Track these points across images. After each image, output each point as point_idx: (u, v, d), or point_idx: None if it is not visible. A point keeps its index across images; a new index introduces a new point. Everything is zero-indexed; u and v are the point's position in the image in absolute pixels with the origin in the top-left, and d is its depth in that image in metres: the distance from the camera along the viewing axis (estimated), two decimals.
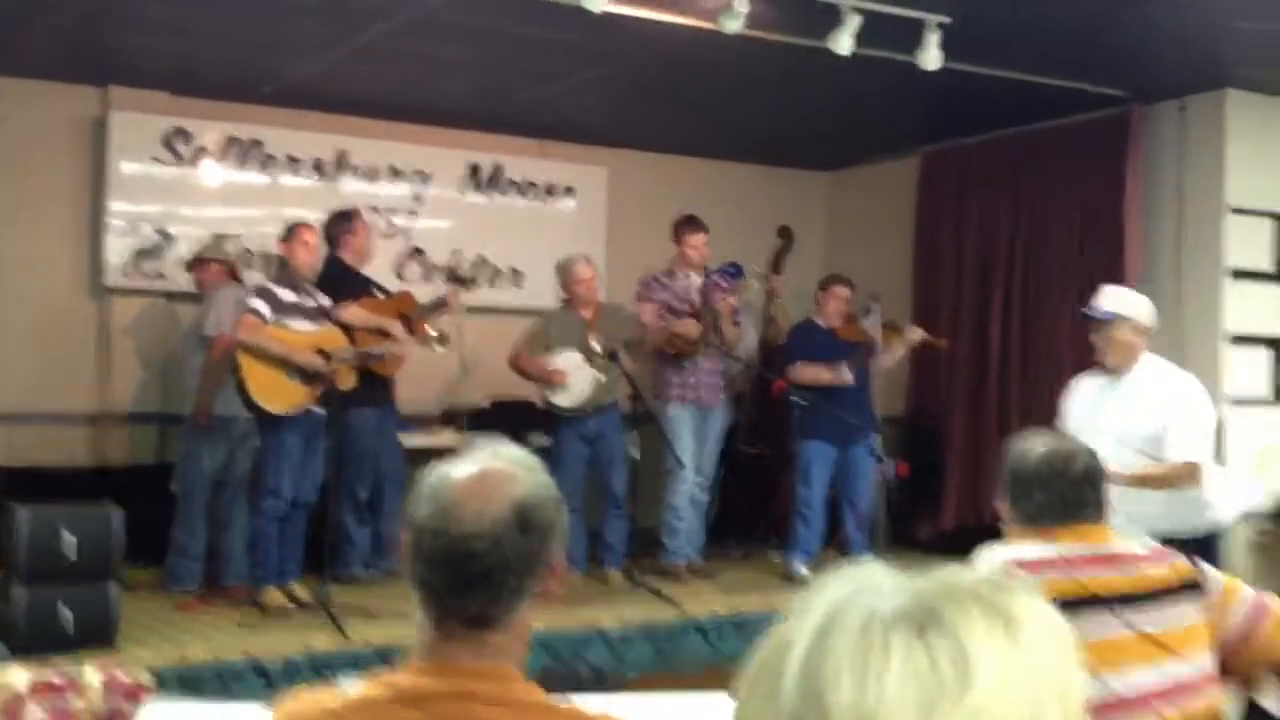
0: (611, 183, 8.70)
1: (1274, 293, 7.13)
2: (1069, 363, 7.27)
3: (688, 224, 7.03)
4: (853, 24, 5.54)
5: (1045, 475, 2.69)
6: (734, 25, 5.42)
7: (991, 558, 2.64)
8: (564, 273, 7.03)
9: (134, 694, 2.21)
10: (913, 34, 5.74)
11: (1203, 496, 4.63)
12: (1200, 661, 2.55)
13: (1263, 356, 7.10)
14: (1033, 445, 2.79)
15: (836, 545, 7.15)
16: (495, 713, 1.63)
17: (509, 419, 7.47)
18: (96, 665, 2.37)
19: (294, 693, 1.77)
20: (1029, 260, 7.69)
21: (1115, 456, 4.12)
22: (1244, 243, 7.01)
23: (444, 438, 7.34)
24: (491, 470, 1.69)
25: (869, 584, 0.90)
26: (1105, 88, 6.96)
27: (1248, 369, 7.03)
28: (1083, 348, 7.27)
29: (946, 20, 5.66)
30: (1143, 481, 4.40)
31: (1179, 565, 2.65)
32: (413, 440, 7.10)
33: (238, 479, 6.54)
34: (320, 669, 4.91)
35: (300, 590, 5.95)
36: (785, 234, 7.41)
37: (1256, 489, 5.29)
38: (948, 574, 0.92)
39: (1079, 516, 2.67)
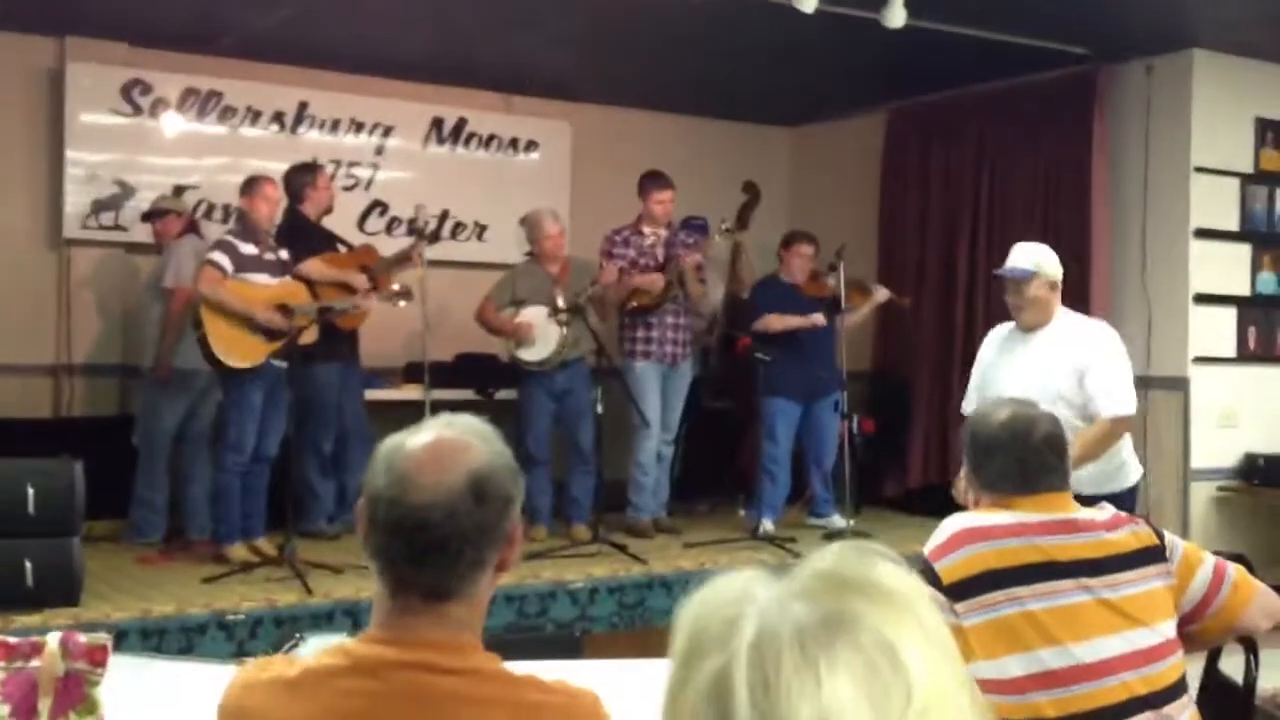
0: (576, 137, 8.64)
1: (1239, 252, 7.18)
2: None
3: (653, 180, 6.99)
4: None
5: (1006, 442, 2.67)
6: None
7: (947, 526, 2.65)
8: (531, 227, 6.99)
9: (94, 656, 2.17)
10: None
11: (1121, 453, 4.58)
12: (1163, 628, 2.57)
13: (1228, 315, 7.15)
14: (993, 412, 2.78)
15: (803, 502, 7.19)
16: (453, 682, 1.62)
17: (474, 373, 7.46)
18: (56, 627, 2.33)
19: (253, 662, 1.76)
20: (994, 218, 7.70)
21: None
22: (1210, 203, 7.04)
23: (408, 392, 7.31)
24: (447, 440, 1.67)
25: (757, 599, 0.93)
26: (1071, 46, 6.96)
27: (1213, 328, 7.08)
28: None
29: None
30: (1083, 456, 4.17)
31: (1140, 532, 2.66)
32: (377, 395, 7.08)
33: (199, 433, 6.50)
34: (284, 623, 4.89)
35: (264, 545, 5.92)
36: (751, 189, 7.39)
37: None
38: (818, 567, 0.95)
39: (1042, 485, 2.66)
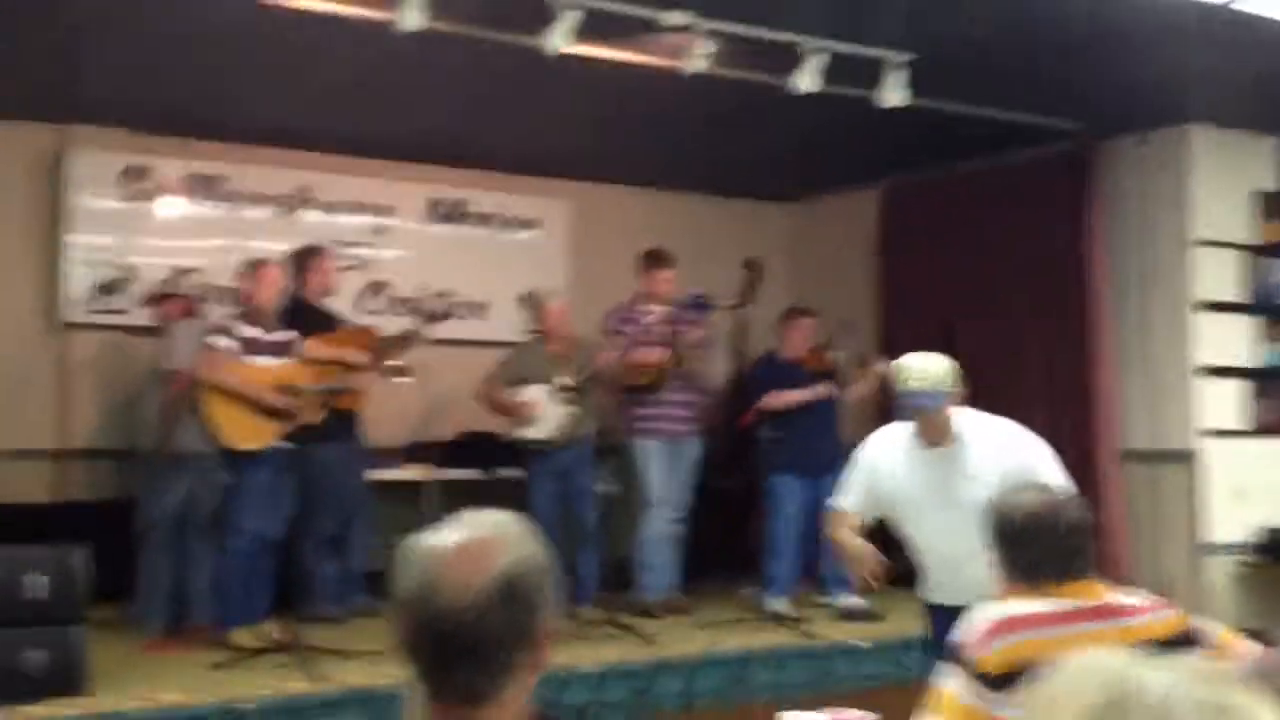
0: (575, 215, 8.68)
1: (1245, 324, 7.19)
2: (1039, 397, 7.32)
3: (655, 259, 7.01)
4: (814, 63, 5.59)
5: (1035, 530, 2.66)
6: (697, 66, 5.44)
7: (984, 615, 2.61)
8: (535, 306, 7.00)
9: None
10: (873, 70, 5.80)
11: None
12: None
13: (1236, 388, 7.14)
14: (1019, 500, 2.76)
15: (812, 580, 7.12)
16: None
17: (477, 452, 7.42)
18: None
19: None
20: (994, 293, 7.71)
21: (968, 532, 3.80)
22: (1212, 275, 7.07)
23: (410, 472, 7.29)
24: (475, 540, 1.63)
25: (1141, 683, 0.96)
26: (1065, 122, 7.01)
27: (1221, 401, 7.07)
28: (1054, 381, 7.35)
29: (908, 58, 5.72)
30: None
31: (1170, 619, 2.65)
32: (380, 475, 7.04)
33: (201, 516, 6.43)
34: (296, 712, 4.81)
35: (270, 630, 5.84)
36: (754, 266, 7.41)
37: None
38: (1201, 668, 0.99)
39: (1072, 570, 2.64)
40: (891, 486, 4.19)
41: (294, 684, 5.06)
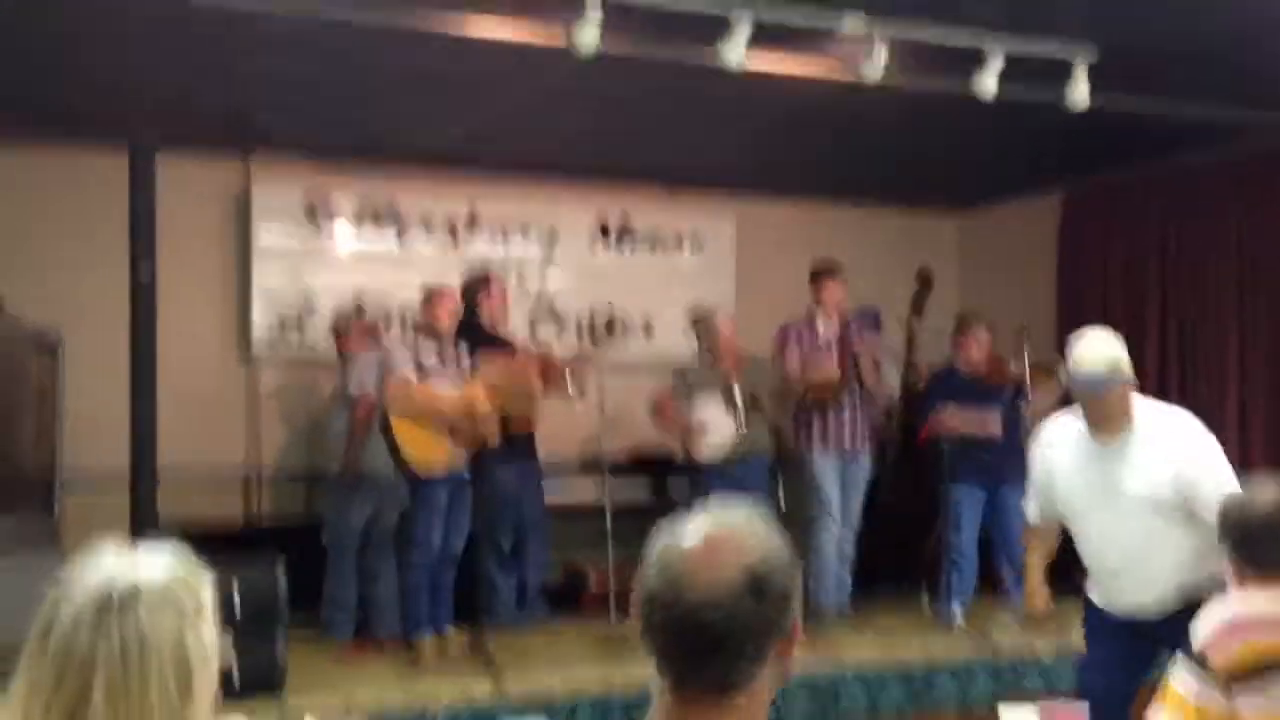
0: (740, 229, 8.70)
1: None
2: (1232, 407, 7.06)
3: (825, 271, 6.97)
4: (996, 65, 5.45)
5: (1276, 523, 2.59)
6: (875, 75, 5.32)
7: (1219, 614, 2.56)
8: (704, 324, 7.03)
9: None
10: (1051, 70, 5.60)
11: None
12: None
13: None
14: (1259, 494, 2.70)
15: (991, 591, 6.98)
16: None
17: (649, 470, 7.48)
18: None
19: None
20: (1183, 304, 7.48)
21: (1143, 526, 3.83)
22: None
23: (583, 489, 7.40)
24: (722, 536, 1.65)
25: None
26: (1262, 115, 6.67)
27: None
28: (1249, 392, 7.08)
29: (1093, 59, 5.55)
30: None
31: None
32: (555, 491, 7.16)
33: (385, 531, 6.61)
34: (481, 717, 4.91)
35: (453, 639, 6.04)
36: (924, 276, 7.33)
37: None
38: None
39: None
40: (1060, 481, 4.03)
41: (479, 688, 5.18)
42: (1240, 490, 2.79)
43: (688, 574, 1.60)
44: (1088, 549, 4.06)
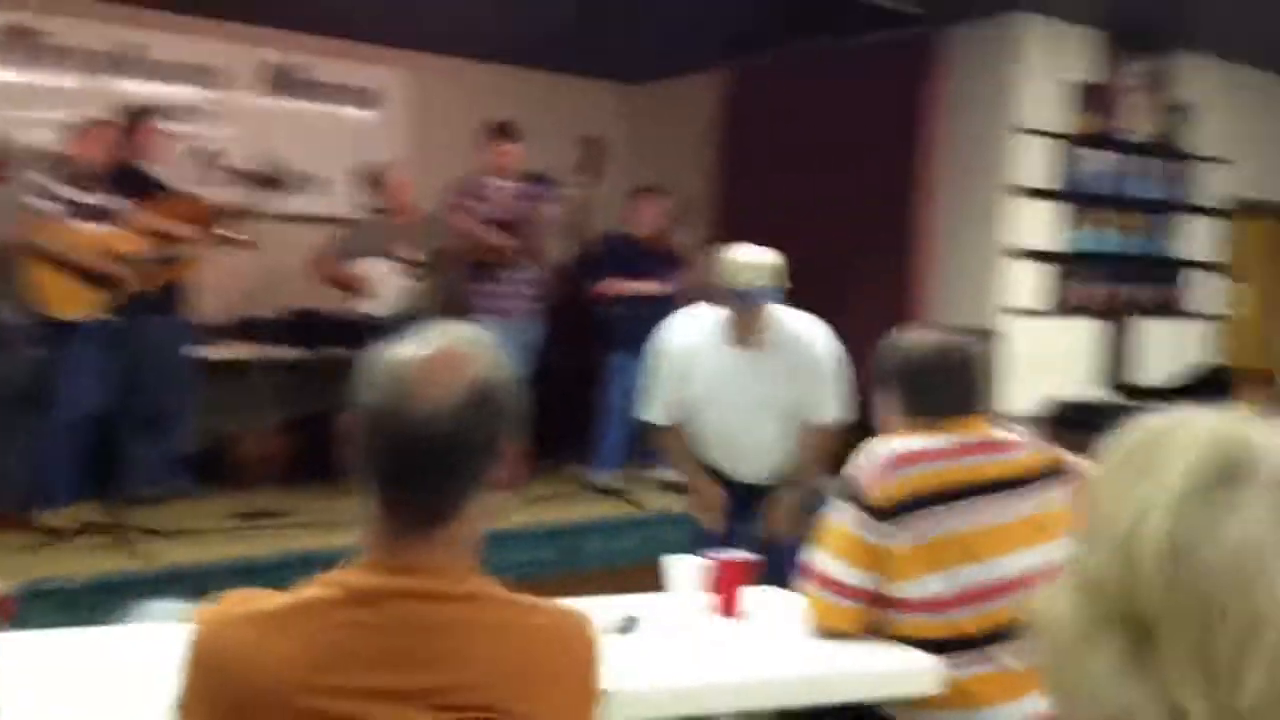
0: (415, 87, 8.48)
1: (1054, 210, 7.52)
2: (881, 278, 7.53)
3: (501, 132, 6.90)
4: None
5: (938, 366, 2.74)
6: None
7: (877, 450, 2.71)
8: (375, 179, 6.86)
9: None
10: None
11: None
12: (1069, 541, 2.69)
13: (1041, 270, 7.48)
14: (918, 338, 2.85)
15: (641, 454, 7.24)
16: (455, 609, 1.57)
17: (309, 329, 7.25)
18: None
19: (224, 597, 1.63)
20: (833, 178, 7.85)
21: (770, 425, 4.13)
22: (1027, 162, 7.35)
23: (237, 349, 7.08)
24: (447, 349, 1.60)
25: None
26: (904, 5, 7.10)
27: (1028, 282, 7.40)
28: (888, 264, 7.57)
29: None
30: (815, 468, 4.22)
31: (1045, 451, 2.79)
32: (206, 353, 6.82)
33: (13, 391, 6.13)
34: (115, 590, 4.64)
35: (88, 511, 5.62)
36: (595, 144, 7.38)
37: None
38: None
39: (971, 407, 2.76)
40: (700, 380, 4.09)
41: (113, 565, 4.91)
42: (897, 335, 2.92)
43: (412, 386, 1.55)
44: (712, 432, 4.23)
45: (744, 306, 3.94)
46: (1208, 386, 7.46)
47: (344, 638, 1.51)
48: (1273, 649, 0.78)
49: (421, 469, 1.56)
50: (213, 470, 7.00)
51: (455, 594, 1.57)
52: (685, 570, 2.99)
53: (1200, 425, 0.88)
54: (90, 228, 5.66)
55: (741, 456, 4.27)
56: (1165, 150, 8.04)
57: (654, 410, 4.23)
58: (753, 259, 3.95)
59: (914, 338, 2.84)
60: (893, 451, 2.67)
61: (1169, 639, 0.81)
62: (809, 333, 4.13)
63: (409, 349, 1.60)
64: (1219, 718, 0.78)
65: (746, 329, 4.00)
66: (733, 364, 4.05)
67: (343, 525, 5.32)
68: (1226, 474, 0.83)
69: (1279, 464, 0.83)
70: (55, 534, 5.36)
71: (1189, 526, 0.82)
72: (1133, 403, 7.46)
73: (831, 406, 4.13)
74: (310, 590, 1.57)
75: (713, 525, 4.23)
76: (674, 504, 6.25)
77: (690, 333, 4.12)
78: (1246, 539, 0.80)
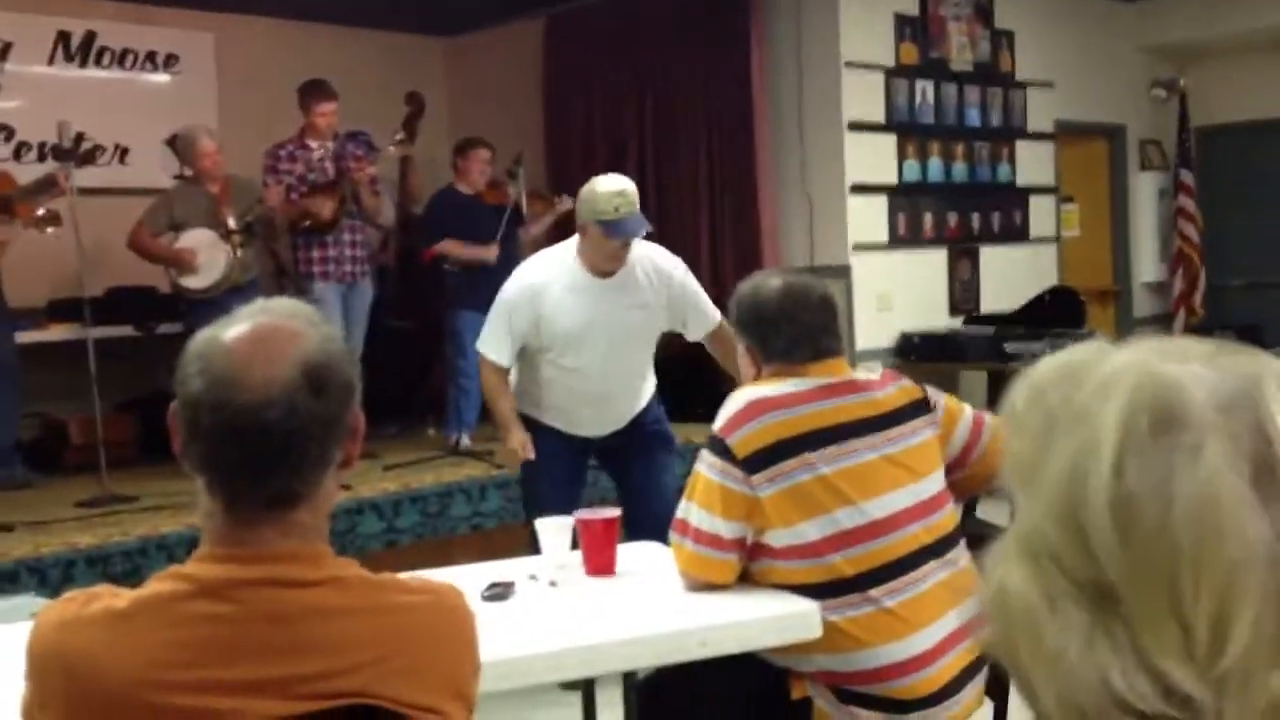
0: (219, 50, 8.11)
1: (886, 143, 7.57)
2: (705, 222, 7.52)
3: (316, 91, 6.65)
4: None
5: (790, 310, 2.69)
6: None
7: (737, 400, 2.65)
8: (185, 146, 6.55)
9: None
10: None
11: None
12: (937, 477, 2.69)
13: (880, 203, 7.55)
14: (767, 284, 2.78)
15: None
16: (313, 594, 1.47)
17: (131, 307, 6.95)
18: None
19: (63, 597, 1.52)
20: (659, 122, 7.80)
21: (632, 355, 4.11)
22: (859, 97, 7.38)
23: (58, 332, 6.75)
24: (269, 327, 1.48)
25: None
26: None
27: (868, 217, 7.46)
28: (721, 206, 7.55)
29: None
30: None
31: (907, 387, 2.76)
32: (24, 338, 6.47)
33: None
34: None
35: None
36: (414, 100, 7.16)
37: None
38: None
39: (827, 348, 2.71)
40: (562, 320, 3.97)
41: None
42: (747, 282, 2.86)
43: (238, 372, 1.43)
44: (566, 382, 4.09)
45: (626, 237, 3.88)
46: (1055, 309, 7.62)
47: (198, 632, 1.43)
48: (1255, 597, 0.72)
49: (259, 458, 1.45)
50: (49, 459, 6.72)
51: (315, 579, 1.48)
52: (556, 531, 2.89)
53: (1113, 366, 0.82)
54: None
55: (606, 399, 4.15)
56: (989, 77, 8.17)
57: (493, 348, 4.07)
58: (620, 186, 3.91)
59: (762, 284, 2.77)
60: (752, 400, 2.61)
61: (1137, 603, 0.75)
62: (661, 255, 4.12)
63: (228, 332, 1.47)
64: (1204, 676, 0.72)
65: (617, 259, 3.93)
66: (598, 294, 3.96)
67: (191, 506, 5.11)
68: (1160, 419, 0.77)
69: (1207, 400, 0.77)
70: None
71: (1136, 482, 0.76)
72: (981, 330, 7.61)
73: (713, 310, 4.14)
74: (157, 585, 1.47)
75: (525, 460, 4.07)
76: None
77: (546, 273, 4.01)
78: (1203, 485, 0.74)
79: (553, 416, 4.18)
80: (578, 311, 3.96)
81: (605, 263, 3.94)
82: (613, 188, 3.90)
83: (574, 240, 4.06)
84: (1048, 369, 0.85)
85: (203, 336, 1.49)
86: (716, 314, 4.12)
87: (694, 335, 4.22)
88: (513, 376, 4.17)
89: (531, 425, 4.13)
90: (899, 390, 2.73)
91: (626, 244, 3.92)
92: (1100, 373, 0.81)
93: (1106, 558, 0.75)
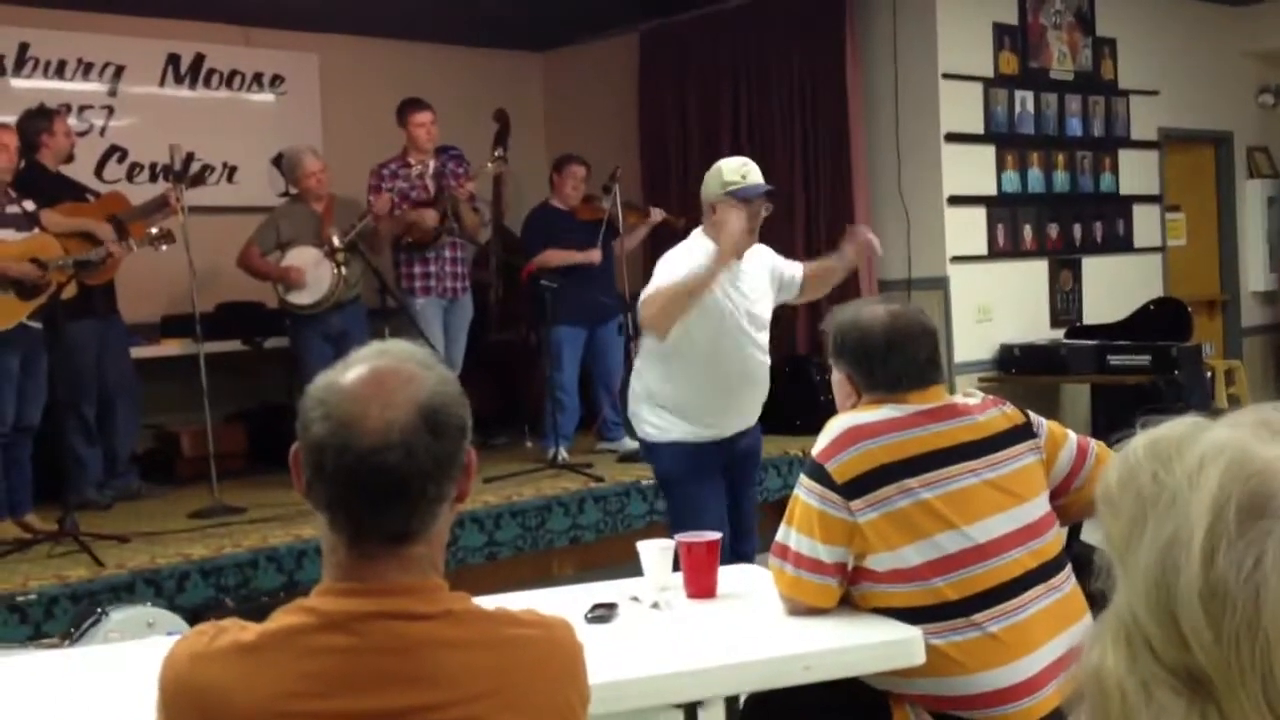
0: (323, 70, 8.28)
1: (985, 154, 7.51)
2: (800, 235, 7.50)
3: (412, 105, 6.81)
4: None
5: (897, 343, 2.69)
6: None
7: (837, 425, 2.66)
8: (291, 165, 6.70)
9: None
10: None
11: None
12: (1041, 502, 2.67)
13: (979, 215, 7.48)
14: (870, 313, 2.78)
15: (594, 427, 7.19)
16: (428, 628, 1.53)
17: (239, 323, 7.13)
18: None
19: (194, 630, 1.58)
20: (754, 136, 7.80)
21: (759, 340, 4.15)
22: (957, 107, 7.32)
23: (172, 346, 6.96)
24: (387, 372, 1.53)
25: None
26: None
27: (966, 228, 7.40)
28: (817, 215, 7.54)
29: None
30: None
31: (1009, 412, 2.75)
32: (139, 353, 6.68)
33: None
34: (80, 599, 4.55)
35: (34, 520, 5.52)
36: (501, 117, 7.27)
37: None
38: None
39: (928, 377, 2.72)
40: (709, 307, 4.00)
41: (73, 571, 4.80)
42: (847, 310, 2.86)
43: (357, 415, 1.49)
44: (705, 376, 4.11)
45: (759, 203, 4.02)
46: (1160, 320, 7.49)
47: (323, 664, 1.48)
48: None
49: (380, 497, 1.51)
50: (163, 469, 6.91)
51: (431, 613, 1.54)
52: (658, 553, 2.92)
53: (1210, 445, 0.81)
54: (4, 235, 5.48)
55: (746, 380, 4.17)
56: (1090, 85, 8.05)
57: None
58: (742, 159, 4.14)
59: (865, 313, 2.77)
60: (851, 426, 2.62)
61: (1231, 692, 0.75)
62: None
63: (347, 376, 1.54)
64: None
65: (750, 235, 4.03)
66: (730, 279, 4.04)
67: (302, 517, 5.24)
68: (1250, 507, 0.77)
69: None
70: (7, 545, 5.24)
71: (1225, 573, 0.76)
72: (1084, 342, 7.50)
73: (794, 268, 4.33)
74: (283, 618, 1.53)
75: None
76: (632, 475, 6.20)
77: (690, 259, 3.99)
78: None
79: (696, 418, 4.15)
80: (718, 294, 4.01)
81: (744, 235, 3.97)
82: (735, 160, 4.12)
83: (697, 236, 4.13)
84: (1140, 447, 0.85)
85: (323, 381, 1.55)
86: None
87: (795, 286, 4.32)
88: (654, 386, 4.19)
89: (681, 448, 4.15)
90: (1001, 415, 2.72)
91: (757, 213, 4.02)
92: (1192, 454, 0.81)
93: (1199, 648, 0.76)
